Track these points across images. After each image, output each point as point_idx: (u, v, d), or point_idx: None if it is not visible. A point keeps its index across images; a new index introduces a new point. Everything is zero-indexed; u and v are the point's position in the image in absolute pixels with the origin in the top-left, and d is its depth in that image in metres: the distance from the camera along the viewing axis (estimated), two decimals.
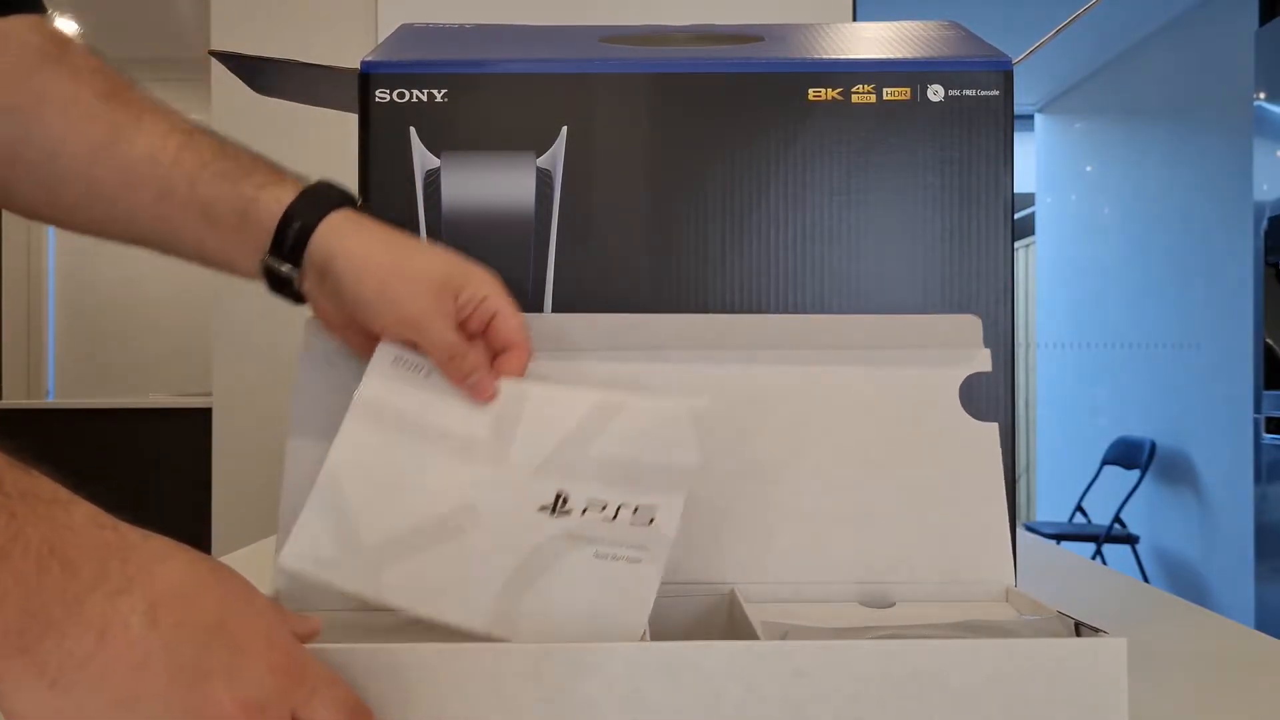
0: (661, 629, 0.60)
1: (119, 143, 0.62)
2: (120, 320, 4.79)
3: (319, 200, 0.61)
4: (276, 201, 0.61)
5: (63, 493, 0.41)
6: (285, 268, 0.61)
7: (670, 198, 0.71)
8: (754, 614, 0.55)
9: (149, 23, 4.29)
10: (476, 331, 0.60)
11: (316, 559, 0.56)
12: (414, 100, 0.71)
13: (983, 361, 0.63)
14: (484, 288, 0.60)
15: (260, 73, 0.89)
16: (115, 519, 0.42)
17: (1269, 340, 3.18)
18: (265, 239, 0.61)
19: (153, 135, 0.62)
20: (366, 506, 0.57)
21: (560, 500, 0.57)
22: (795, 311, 0.70)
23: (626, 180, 0.71)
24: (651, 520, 0.56)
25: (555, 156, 0.71)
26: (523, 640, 0.52)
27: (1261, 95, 3.20)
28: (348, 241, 0.60)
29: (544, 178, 0.71)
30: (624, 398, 0.60)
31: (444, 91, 0.71)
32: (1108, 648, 0.48)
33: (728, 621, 0.61)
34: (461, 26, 0.82)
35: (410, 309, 0.59)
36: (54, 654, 0.38)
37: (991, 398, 0.66)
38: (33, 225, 4.73)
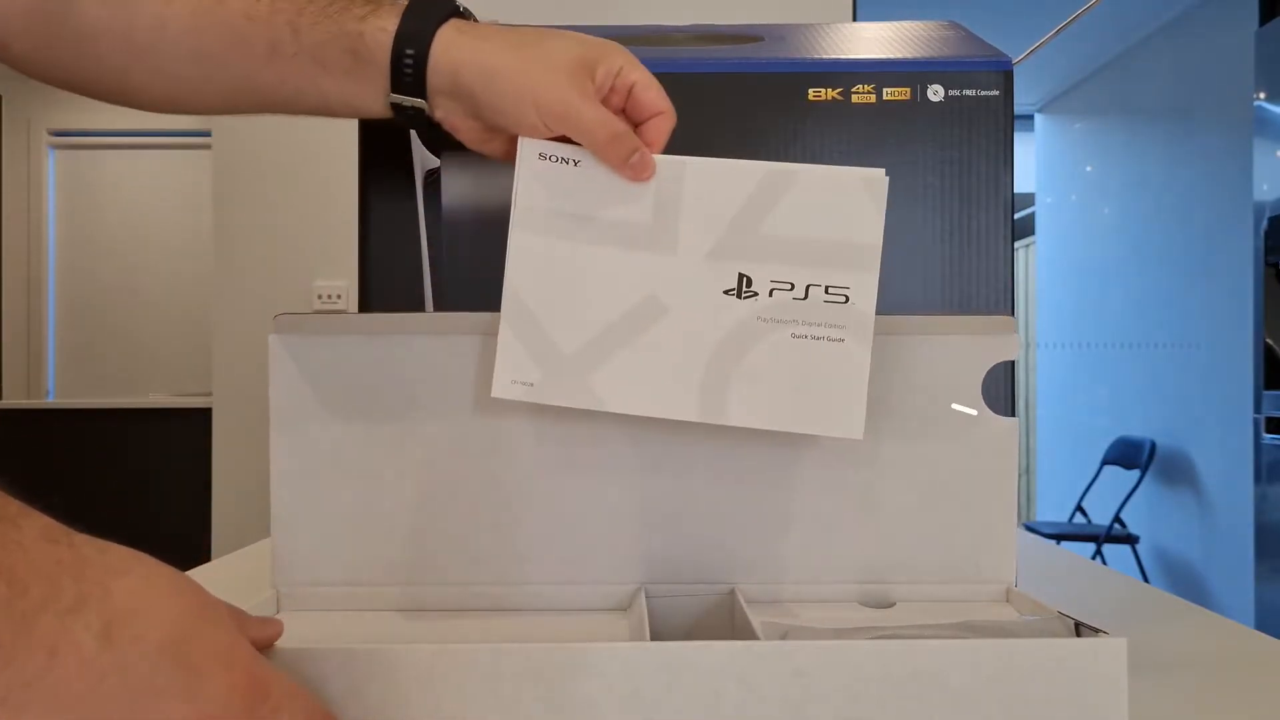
0: (661, 629, 0.60)
1: (216, 7, 0.61)
2: (120, 320, 4.79)
3: (424, 17, 0.59)
4: (383, 31, 0.59)
5: (12, 507, 0.39)
6: (411, 102, 0.59)
7: None
8: (754, 614, 0.55)
9: None
10: (618, 107, 0.59)
11: (526, 384, 0.56)
12: None
13: (1010, 349, 0.62)
14: (617, 58, 0.59)
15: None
16: (73, 532, 0.40)
17: (1269, 340, 3.18)
18: (383, 76, 0.59)
19: None
20: (554, 316, 0.57)
21: (744, 282, 0.56)
22: None
23: None
24: (846, 299, 0.55)
25: None
26: (733, 424, 0.54)
27: (1261, 95, 3.20)
28: (466, 52, 0.58)
29: None
30: (794, 167, 0.58)
31: None
32: (1108, 648, 0.48)
33: (728, 621, 0.61)
34: None
35: (552, 100, 0.57)
36: (1, 675, 0.36)
37: (993, 398, 0.66)
38: (33, 226, 4.74)
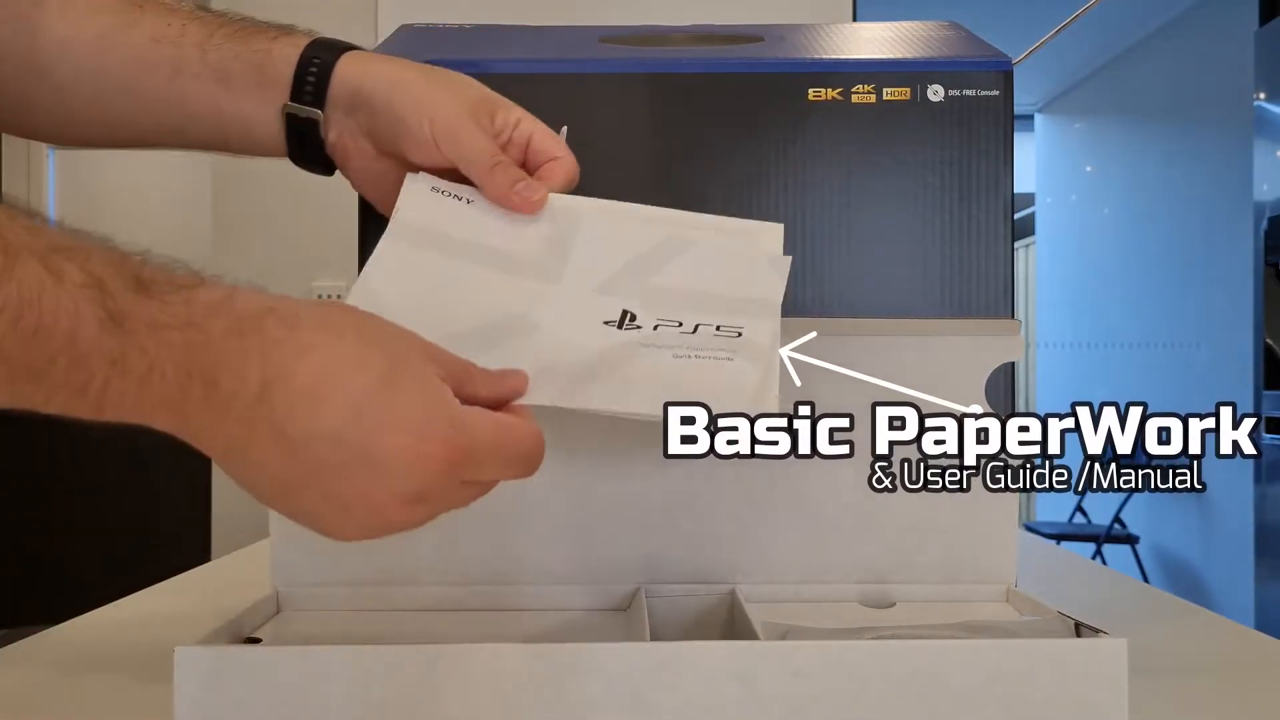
0: (661, 629, 0.59)
1: (125, 29, 0.61)
2: None
3: (336, 43, 0.60)
4: (293, 47, 0.60)
5: (197, 312, 0.41)
6: (307, 112, 0.59)
7: (670, 198, 0.70)
8: (754, 614, 0.55)
9: None
10: (517, 159, 0.59)
11: None
12: None
13: (1013, 350, 0.62)
14: (517, 112, 0.59)
15: None
16: (268, 313, 0.42)
17: (1269, 340, 3.18)
18: (284, 90, 0.59)
19: (156, 15, 0.61)
20: (413, 314, 0.50)
21: (627, 316, 0.52)
22: (794, 312, 0.70)
23: (626, 180, 0.71)
24: (740, 334, 0.50)
25: None
26: (598, 409, 0.48)
27: (1261, 95, 3.20)
28: (374, 65, 0.59)
29: None
30: (694, 232, 0.57)
31: None
32: (1108, 648, 0.48)
33: (728, 621, 0.61)
34: (461, 26, 0.82)
35: (448, 119, 0.57)
36: (215, 446, 0.42)
37: (993, 398, 0.66)
38: None
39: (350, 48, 0.61)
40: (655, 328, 0.51)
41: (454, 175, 0.59)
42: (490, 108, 0.59)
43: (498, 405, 0.46)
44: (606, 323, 0.52)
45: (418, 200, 0.57)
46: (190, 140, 0.63)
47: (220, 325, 0.41)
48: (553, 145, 0.59)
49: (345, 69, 0.59)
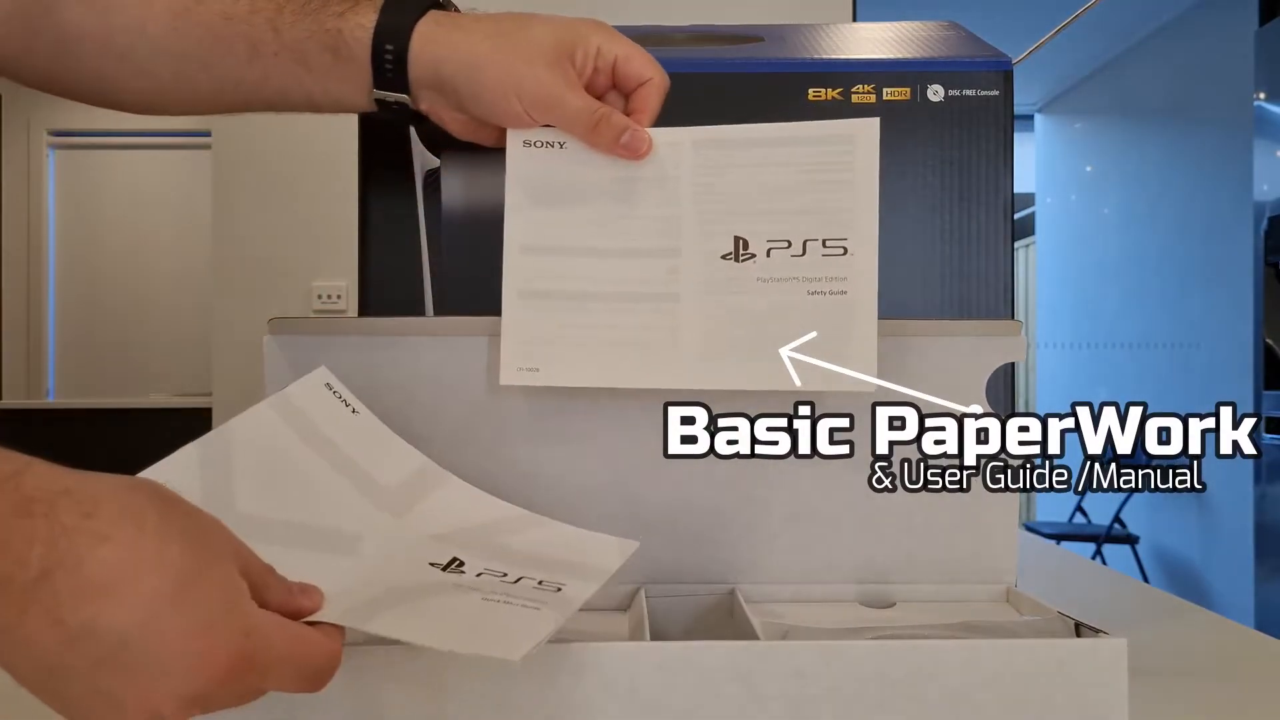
0: (661, 629, 0.59)
1: (194, 7, 0.61)
2: (120, 320, 4.79)
3: (402, 11, 0.59)
4: (361, 28, 0.59)
5: None
6: (395, 97, 0.59)
7: None
8: (754, 614, 0.55)
9: None
10: (605, 86, 0.59)
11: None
12: None
13: (1016, 350, 0.62)
14: (595, 37, 0.58)
15: None
16: (61, 496, 0.39)
17: (1269, 340, 3.18)
18: (365, 72, 0.59)
19: None
20: (253, 477, 0.51)
21: (454, 562, 0.51)
22: None
23: None
24: (559, 589, 0.49)
25: None
26: (379, 634, 0.45)
27: (1261, 95, 3.20)
28: (445, 46, 0.58)
29: None
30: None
31: None
32: (1108, 648, 0.48)
33: (728, 621, 0.61)
34: None
35: (534, 90, 0.57)
36: None
37: (993, 398, 0.66)
38: (33, 226, 4.74)
39: (421, 7, 0.59)
40: (479, 574, 0.50)
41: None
42: (569, 50, 0.58)
43: (291, 616, 0.44)
44: (432, 564, 0.51)
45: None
46: (283, 108, 0.63)
47: (4, 502, 0.38)
48: (640, 66, 0.59)
49: (420, 50, 0.58)
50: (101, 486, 0.40)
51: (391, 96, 0.59)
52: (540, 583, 0.50)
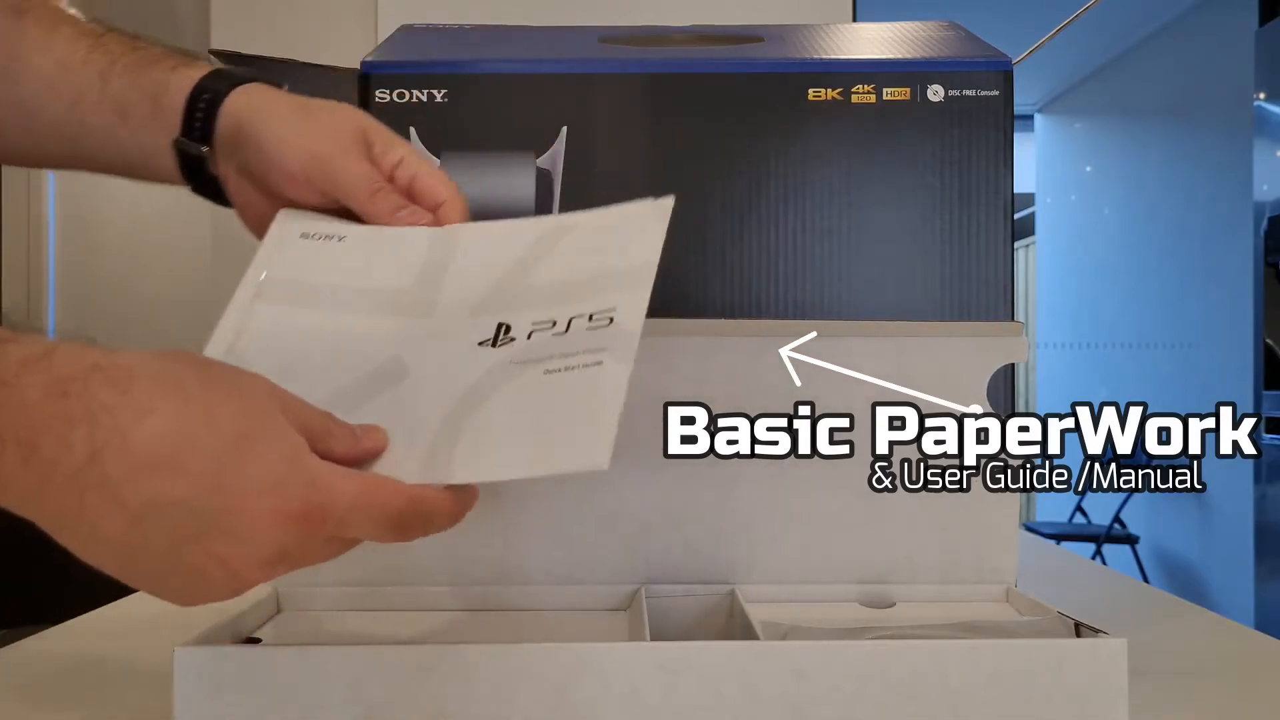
0: (661, 629, 0.59)
1: (34, 55, 0.59)
2: (120, 320, 4.79)
3: (232, 75, 0.58)
4: (188, 79, 0.58)
5: (10, 368, 0.37)
6: (196, 147, 0.57)
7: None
8: (754, 614, 0.55)
9: (149, 22, 4.29)
10: (401, 195, 0.56)
11: None
12: (414, 100, 0.71)
13: (1017, 351, 0.62)
14: (399, 148, 0.56)
15: (261, 72, 0.89)
16: (93, 372, 0.38)
17: (1269, 340, 3.18)
18: (176, 120, 0.57)
19: (65, 41, 0.59)
20: (281, 377, 0.47)
21: (502, 330, 0.50)
22: (794, 312, 0.70)
23: (626, 180, 0.71)
24: (611, 320, 0.48)
25: (555, 156, 0.71)
26: (459, 482, 0.44)
27: (1261, 95, 3.20)
28: (257, 99, 0.56)
29: (544, 178, 0.71)
30: (576, 218, 0.55)
31: (444, 92, 0.71)
32: (1108, 648, 0.48)
33: (728, 621, 0.61)
34: (461, 27, 0.82)
35: (325, 147, 0.54)
36: (43, 515, 0.38)
37: (993, 398, 0.66)
38: (33, 226, 4.74)
39: (251, 80, 0.58)
40: (530, 335, 0.49)
41: (337, 211, 0.57)
42: (368, 137, 0.56)
43: (357, 464, 0.44)
44: (481, 343, 0.50)
45: (282, 250, 0.55)
46: (101, 167, 0.61)
47: (36, 385, 0.37)
48: (439, 186, 0.56)
49: (233, 103, 0.57)
50: (131, 359, 0.39)
51: (191, 147, 0.57)
52: (591, 317, 0.48)
